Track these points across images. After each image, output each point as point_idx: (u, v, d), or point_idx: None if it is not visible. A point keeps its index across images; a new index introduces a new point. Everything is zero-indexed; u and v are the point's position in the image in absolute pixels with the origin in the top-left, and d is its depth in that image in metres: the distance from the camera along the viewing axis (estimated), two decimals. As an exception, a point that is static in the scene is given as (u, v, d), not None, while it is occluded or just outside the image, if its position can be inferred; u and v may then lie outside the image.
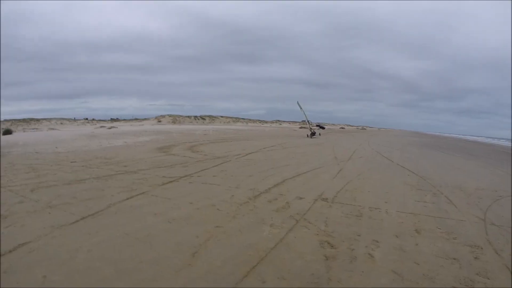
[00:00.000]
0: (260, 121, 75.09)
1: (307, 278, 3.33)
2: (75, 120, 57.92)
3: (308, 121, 29.59)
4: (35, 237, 4.57)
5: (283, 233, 4.54)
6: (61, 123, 51.64)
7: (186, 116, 65.06)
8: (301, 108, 28.76)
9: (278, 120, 79.34)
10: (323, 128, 56.42)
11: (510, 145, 43.35)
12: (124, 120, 62.12)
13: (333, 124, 74.35)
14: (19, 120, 50.09)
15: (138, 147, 16.18)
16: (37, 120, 52.36)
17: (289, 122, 75.76)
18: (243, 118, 76.17)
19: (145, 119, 61.38)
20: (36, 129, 40.61)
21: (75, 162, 11.25)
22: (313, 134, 27.81)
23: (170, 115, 62.36)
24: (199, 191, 7.22)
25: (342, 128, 67.23)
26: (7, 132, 27.95)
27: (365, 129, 67.55)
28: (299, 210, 5.64)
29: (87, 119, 61.54)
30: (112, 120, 62.36)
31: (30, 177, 8.77)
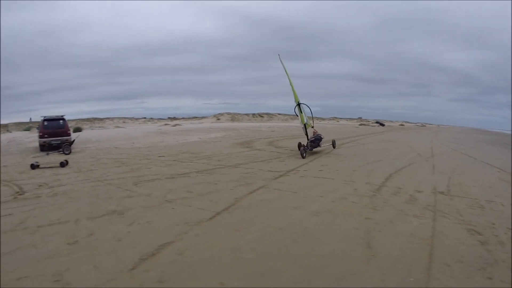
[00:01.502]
0: (317, 118, 73.59)
1: (478, 260, 3.46)
2: (136, 119, 60.49)
3: (299, 104, 12.71)
4: (174, 235, 4.07)
5: (431, 223, 4.60)
6: (124, 122, 54.24)
7: (244, 114, 65.53)
8: (286, 71, 12.98)
9: (335, 117, 77.47)
10: (382, 125, 53.76)
11: None
12: (183, 118, 63.86)
13: (391, 121, 70.93)
14: (83, 120, 53.32)
15: (217, 143, 15.97)
16: (100, 119, 55.45)
17: (346, 119, 73.59)
18: (300, 115, 74.95)
19: (204, 117, 62.70)
20: (102, 127, 42.77)
21: (163, 156, 11.12)
22: (314, 143, 12.40)
23: (228, 113, 63.18)
24: (317, 185, 6.87)
25: (401, 125, 63.73)
26: (78, 129, 29.47)
27: (424, 126, 63.48)
28: (427, 202, 5.68)
29: (145, 118, 64.00)
30: (170, 118, 64.40)
31: (124, 171, 8.62)
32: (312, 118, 13.70)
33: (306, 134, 12.72)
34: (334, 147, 13.83)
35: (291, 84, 12.65)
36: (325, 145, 13.16)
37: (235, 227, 4.34)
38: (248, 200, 5.60)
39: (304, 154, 11.01)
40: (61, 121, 15.80)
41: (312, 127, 13.22)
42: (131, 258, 3.48)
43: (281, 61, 13.19)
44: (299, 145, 12.32)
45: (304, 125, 12.75)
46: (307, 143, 12.16)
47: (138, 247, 3.74)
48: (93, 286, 2.96)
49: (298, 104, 12.46)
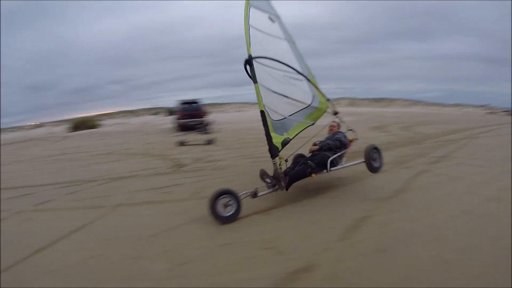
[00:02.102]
0: (439, 105, 67.28)
1: None
2: (252, 104, 63.35)
3: (250, 61, 4.70)
4: (366, 211, 4.50)
5: None
6: (243, 106, 57.16)
7: (362, 99, 63.53)
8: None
9: (459, 104, 69.58)
10: None
11: None
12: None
13: (519, 110, 60.36)
14: (204, 105, 57.52)
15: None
16: (220, 104, 59.27)
17: (472, 106, 65.40)
18: (420, 101, 69.40)
19: (320, 102, 62.42)
20: (223, 111, 45.89)
21: (305, 137, 11.60)
22: (314, 162, 5.36)
23: (347, 98, 61.87)
24: (476, 172, 6.53)
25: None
26: (206, 113, 32.32)
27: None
28: None
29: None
30: (285, 103, 65.67)
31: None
32: (323, 94, 6.60)
33: (268, 138, 4.58)
34: (373, 168, 5.26)
35: (244, 21, 5.14)
36: (348, 164, 5.63)
37: (421, 206, 4.60)
38: (418, 183, 5.79)
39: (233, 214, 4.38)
40: (197, 103, 17.65)
41: (336, 113, 6.65)
42: (336, 228, 3.93)
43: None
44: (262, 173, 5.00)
45: (262, 112, 4.63)
46: (288, 168, 5.42)
47: (338, 220, 4.19)
48: (311, 254, 3.34)
49: (249, 61, 4.76)
